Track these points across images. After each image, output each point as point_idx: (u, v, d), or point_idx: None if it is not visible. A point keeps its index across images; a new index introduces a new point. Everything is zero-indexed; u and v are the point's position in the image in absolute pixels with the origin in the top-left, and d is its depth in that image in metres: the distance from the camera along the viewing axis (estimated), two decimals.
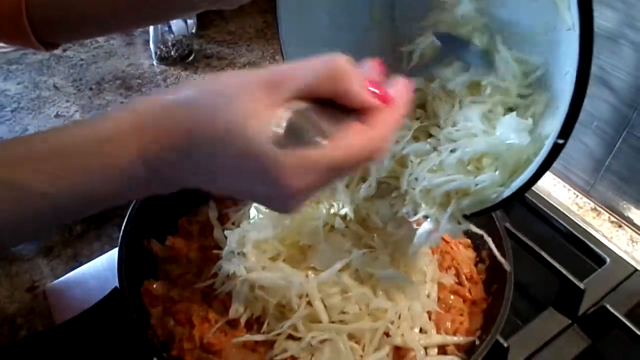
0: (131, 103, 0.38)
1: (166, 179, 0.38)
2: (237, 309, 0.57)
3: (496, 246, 0.65)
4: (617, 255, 0.82)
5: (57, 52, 1.20)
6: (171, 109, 0.37)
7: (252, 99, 0.36)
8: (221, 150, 0.36)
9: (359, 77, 0.38)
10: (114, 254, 0.60)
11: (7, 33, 0.58)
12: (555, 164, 0.96)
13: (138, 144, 0.36)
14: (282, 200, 0.38)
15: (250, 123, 0.35)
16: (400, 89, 0.42)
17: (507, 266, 0.61)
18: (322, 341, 0.55)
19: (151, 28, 1.14)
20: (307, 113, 0.37)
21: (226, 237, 0.64)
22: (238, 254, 0.62)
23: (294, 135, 0.36)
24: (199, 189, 0.39)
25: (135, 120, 0.37)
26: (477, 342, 0.57)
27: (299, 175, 0.36)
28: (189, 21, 1.17)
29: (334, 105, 0.38)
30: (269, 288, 0.57)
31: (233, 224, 0.69)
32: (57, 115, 1.02)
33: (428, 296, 0.62)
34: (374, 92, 0.39)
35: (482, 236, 0.69)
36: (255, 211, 0.67)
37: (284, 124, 0.35)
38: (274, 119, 0.35)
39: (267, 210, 0.64)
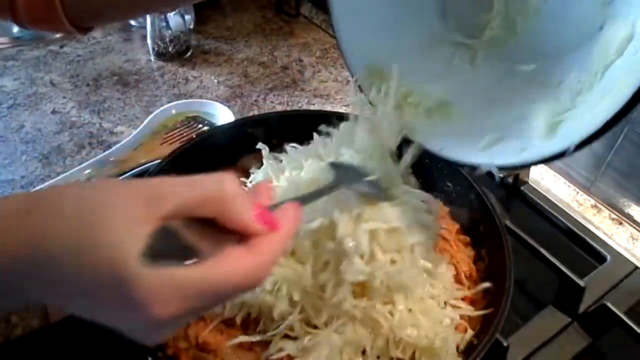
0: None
1: (7, 290, 0.34)
2: (232, 309, 0.57)
3: (496, 244, 0.65)
4: (618, 252, 0.81)
5: (54, 48, 1.19)
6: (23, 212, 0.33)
7: (126, 210, 0.33)
8: (75, 262, 0.32)
9: (246, 201, 0.37)
10: None
11: (41, 18, 0.58)
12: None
13: None
14: (143, 327, 0.34)
15: (115, 235, 0.32)
16: (289, 216, 0.41)
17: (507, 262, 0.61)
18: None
19: (148, 24, 1.13)
20: (182, 232, 0.35)
21: None
22: None
23: (163, 253, 0.33)
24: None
25: None
26: (476, 342, 0.56)
27: (165, 299, 0.32)
28: (186, 17, 1.16)
29: (218, 227, 0.37)
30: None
31: None
32: (53, 112, 1.02)
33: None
34: (260, 219, 0.38)
35: (481, 233, 0.69)
36: None
37: (152, 241, 0.32)
38: (144, 235, 0.32)
39: None
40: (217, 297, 0.36)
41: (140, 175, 0.86)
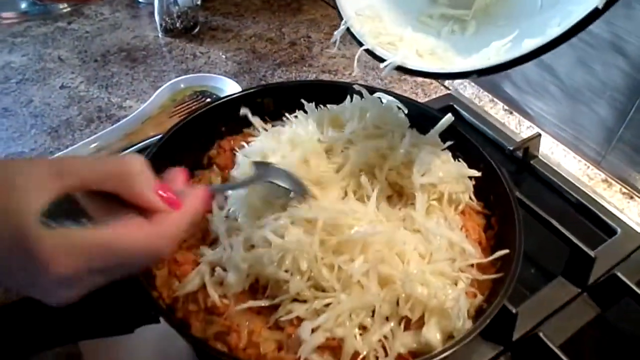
0: None
1: None
2: (239, 276, 0.57)
3: (505, 211, 0.64)
4: (628, 226, 0.81)
5: (62, 24, 1.19)
6: None
7: (32, 179, 0.35)
8: None
9: (149, 180, 0.41)
10: None
11: None
12: (565, 135, 0.95)
13: None
14: (44, 287, 0.36)
15: (18, 198, 0.34)
16: (195, 198, 0.44)
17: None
18: (327, 305, 0.54)
19: (156, 0, 1.12)
20: (84, 202, 0.38)
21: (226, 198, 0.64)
22: (227, 217, 0.63)
23: (62, 216, 0.35)
24: None
25: None
26: (485, 306, 0.56)
27: (59, 256, 0.34)
28: None
29: (123, 204, 0.40)
30: (262, 256, 0.56)
31: None
32: (62, 87, 1.02)
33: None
34: (162, 196, 0.41)
35: (491, 202, 0.68)
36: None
37: (54, 207, 0.35)
38: (45, 200, 0.35)
39: None
40: (114, 257, 0.38)
41: (147, 147, 0.86)
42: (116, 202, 0.40)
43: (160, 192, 0.41)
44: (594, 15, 0.47)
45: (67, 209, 0.37)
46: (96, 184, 0.38)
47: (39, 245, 0.34)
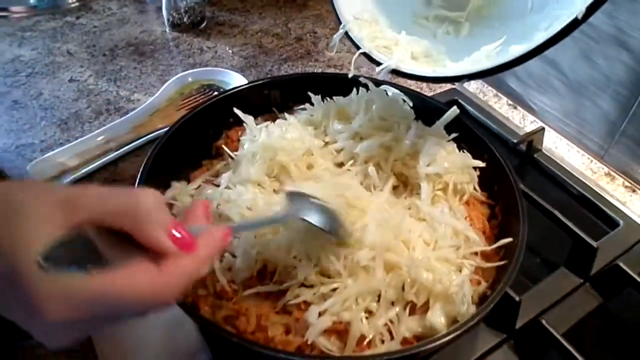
0: None
1: None
2: (247, 262, 0.58)
3: (510, 203, 0.65)
4: (631, 218, 0.81)
5: (70, 19, 1.20)
6: None
7: (38, 212, 0.34)
8: None
9: (161, 218, 0.37)
10: None
11: None
12: (569, 129, 0.96)
13: None
14: (40, 329, 0.35)
15: (21, 234, 0.33)
16: (212, 239, 0.41)
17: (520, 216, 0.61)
18: (334, 289, 0.55)
19: None
20: (95, 239, 0.35)
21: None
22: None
23: (69, 259, 0.33)
24: None
25: None
26: (489, 293, 0.57)
27: (56, 303, 0.32)
28: None
29: (134, 242, 0.37)
30: (270, 242, 0.57)
31: None
32: (71, 80, 1.03)
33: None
34: (174, 237, 0.37)
35: (495, 192, 0.69)
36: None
37: (59, 245, 0.33)
38: (49, 238, 0.33)
39: None
40: (115, 306, 0.35)
41: (156, 139, 0.87)
42: (129, 240, 0.37)
43: (174, 232, 0.38)
44: (575, 23, 0.49)
45: (74, 248, 0.34)
46: (107, 221, 0.36)
47: (34, 289, 0.32)
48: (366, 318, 0.54)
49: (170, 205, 0.65)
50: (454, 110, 0.73)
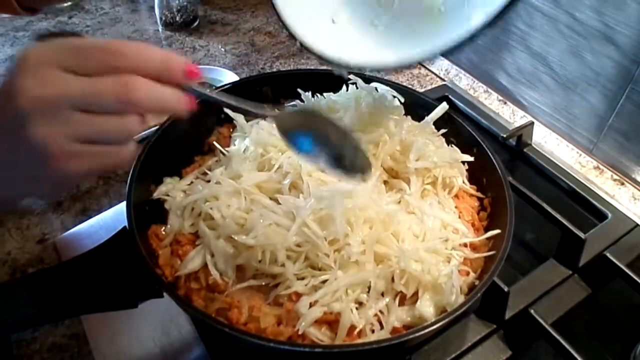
0: None
1: None
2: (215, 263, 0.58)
3: (499, 195, 0.66)
4: (619, 211, 0.83)
5: (63, 19, 1.21)
6: None
7: None
8: None
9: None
10: (122, 207, 0.61)
11: None
12: (558, 124, 0.97)
13: None
14: (43, 167, 0.39)
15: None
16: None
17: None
18: (324, 281, 0.56)
19: None
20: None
21: None
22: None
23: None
24: None
25: None
26: (477, 283, 0.58)
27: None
28: None
29: None
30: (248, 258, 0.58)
31: None
32: None
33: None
34: None
35: (484, 185, 0.70)
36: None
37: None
38: None
39: None
40: (104, 53, 0.39)
41: (145, 139, 0.88)
42: None
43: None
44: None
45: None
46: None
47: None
48: (356, 309, 0.55)
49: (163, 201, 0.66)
50: (443, 107, 0.74)
